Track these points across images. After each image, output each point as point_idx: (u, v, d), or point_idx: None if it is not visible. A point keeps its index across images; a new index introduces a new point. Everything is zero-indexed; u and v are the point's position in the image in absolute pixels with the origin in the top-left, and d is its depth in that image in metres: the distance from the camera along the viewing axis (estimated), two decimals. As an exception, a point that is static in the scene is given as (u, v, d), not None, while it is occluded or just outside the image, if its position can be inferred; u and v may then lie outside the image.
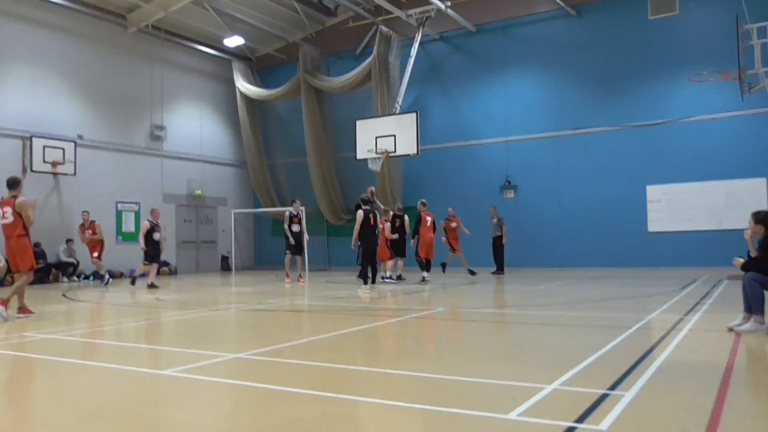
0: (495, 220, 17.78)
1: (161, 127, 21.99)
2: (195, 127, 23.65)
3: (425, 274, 15.04)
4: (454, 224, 16.85)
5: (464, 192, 20.58)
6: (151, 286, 14.49)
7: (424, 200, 16.03)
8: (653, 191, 18.42)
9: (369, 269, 13.07)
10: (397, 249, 15.24)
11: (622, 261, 18.34)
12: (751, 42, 11.51)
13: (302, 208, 16.77)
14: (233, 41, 23.02)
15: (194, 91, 23.68)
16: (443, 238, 16.67)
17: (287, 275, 15.98)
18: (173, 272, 21.74)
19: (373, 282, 13.20)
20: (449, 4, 19.30)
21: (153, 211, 15.64)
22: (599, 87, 19.30)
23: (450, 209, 17.16)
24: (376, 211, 13.54)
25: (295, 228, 15.72)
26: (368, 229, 12.89)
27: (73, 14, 19.33)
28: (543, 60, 20.21)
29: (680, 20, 18.20)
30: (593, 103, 19.38)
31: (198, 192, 23.35)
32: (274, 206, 24.31)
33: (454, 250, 16.81)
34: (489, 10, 20.62)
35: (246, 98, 24.34)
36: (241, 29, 22.86)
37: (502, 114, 20.73)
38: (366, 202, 13.32)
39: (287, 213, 16.16)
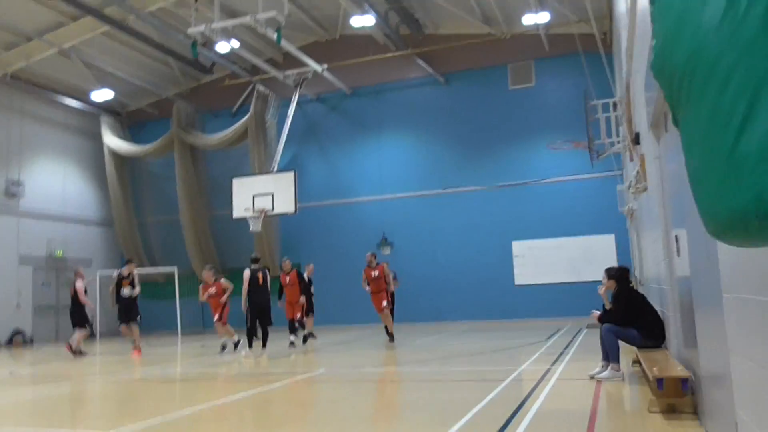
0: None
1: (18, 183, 20.42)
2: (57, 184, 22.18)
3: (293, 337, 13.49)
4: (375, 273, 13.71)
5: (343, 249, 20.82)
6: (78, 352, 13.32)
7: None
8: (518, 247, 19.65)
9: (256, 331, 12.39)
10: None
11: (493, 314, 19.23)
12: (596, 116, 12.92)
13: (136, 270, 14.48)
14: (102, 95, 22.12)
15: (57, 146, 22.33)
16: (366, 289, 13.91)
17: (136, 348, 13.66)
18: (28, 341, 19.84)
19: (264, 345, 12.37)
20: (326, 66, 19.89)
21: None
22: (467, 149, 20.54)
23: (369, 255, 14.16)
24: (266, 270, 12.78)
25: (125, 291, 13.45)
26: (255, 289, 12.11)
27: None
28: (415, 123, 21.27)
29: (537, 91, 20.03)
30: (461, 164, 20.56)
31: (59, 253, 21.72)
32: (143, 266, 23.12)
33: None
34: (363, 74, 21.47)
35: (114, 154, 23.31)
36: (111, 83, 22.04)
37: (377, 173, 21.42)
38: (255, 260, 12.74)
39: (116, 274, 14.28)
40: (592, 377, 7.14)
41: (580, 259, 18.87)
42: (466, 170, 20.47)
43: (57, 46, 18.94)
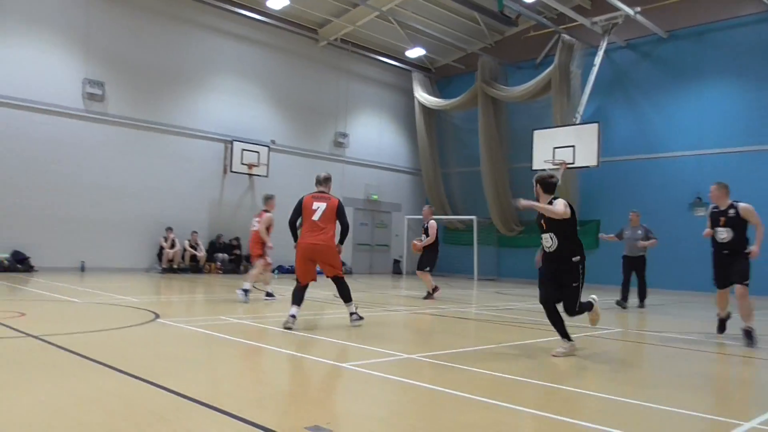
0: (639, 232, 12.95)
1: (344, 135, 23.31)
2: (374, 135, 24.74)
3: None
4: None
5: (648, 207, 19.22)
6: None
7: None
8: None
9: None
10: None
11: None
12: None
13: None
14: (414, 52, 23.76)
15: (375, 101, 24.80)
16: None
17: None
18: (349, 272, 22.87)
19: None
20: (639, 9, 18.32)
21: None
22: (814, 97, 17.16)
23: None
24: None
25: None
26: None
27: (272, 29, 21.16)
28: (745, 68, 18.42)
29: None
30: (806, 114, 17.27)
31: (374, 197, 24.38)
32: (446, 214, 24.64)
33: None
34: (683, 14, 19.23)
35: (424, 108, 24.97)
36: (422, 41, 23.53)
37: (695, 126, 19.21)
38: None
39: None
40: None
41: None
42: (810, 122, 17.16)
43: (377, 9, 20.78)
